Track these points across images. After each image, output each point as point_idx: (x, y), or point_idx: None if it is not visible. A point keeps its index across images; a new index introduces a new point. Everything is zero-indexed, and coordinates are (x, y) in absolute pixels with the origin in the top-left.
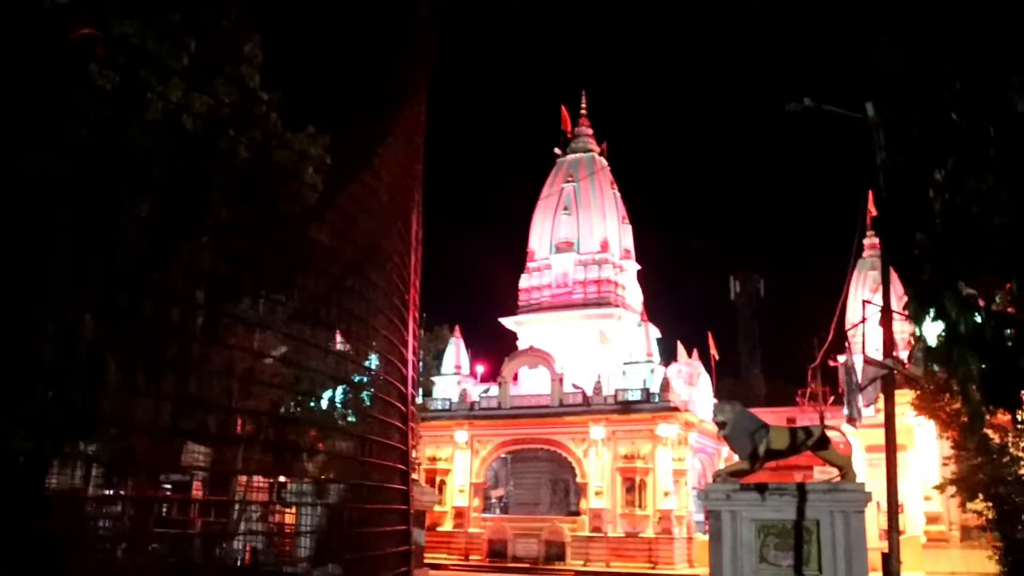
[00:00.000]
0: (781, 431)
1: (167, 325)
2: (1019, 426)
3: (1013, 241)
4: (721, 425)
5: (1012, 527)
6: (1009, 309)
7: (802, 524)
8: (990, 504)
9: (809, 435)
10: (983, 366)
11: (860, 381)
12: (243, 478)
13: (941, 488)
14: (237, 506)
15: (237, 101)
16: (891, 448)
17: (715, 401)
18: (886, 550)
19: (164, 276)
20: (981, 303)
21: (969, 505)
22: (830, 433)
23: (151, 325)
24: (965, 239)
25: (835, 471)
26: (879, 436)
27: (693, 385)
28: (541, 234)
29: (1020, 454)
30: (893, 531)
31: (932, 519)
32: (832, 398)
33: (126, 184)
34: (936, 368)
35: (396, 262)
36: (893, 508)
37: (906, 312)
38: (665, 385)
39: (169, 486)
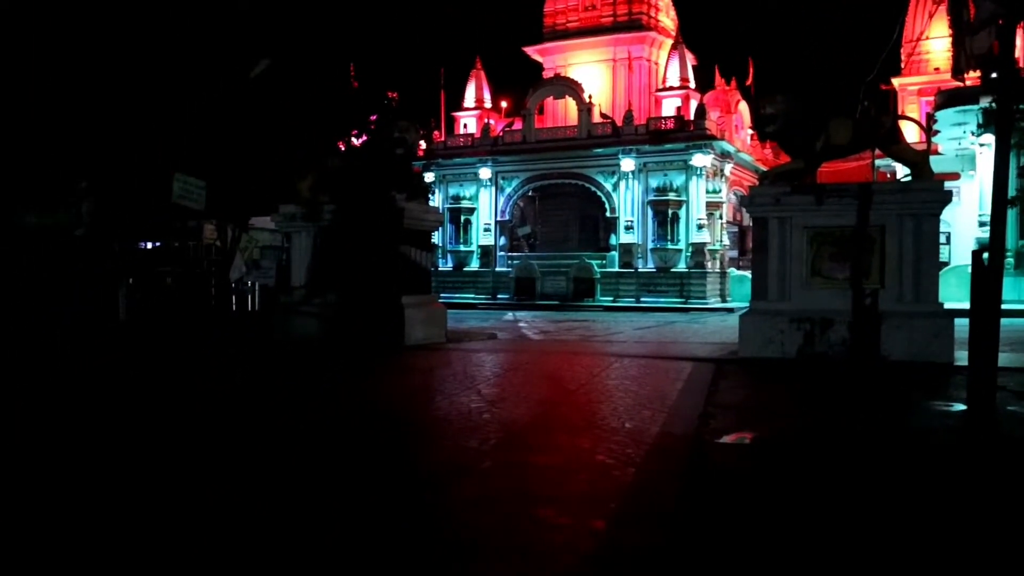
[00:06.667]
0: (843, 123)
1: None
2: None
3: None
4: (770, 119)
5: None
6: None
7: (864, 231)
8: None
9: (878, 126)
10: None
11: (971, 19)
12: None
13: (1012, 202)
14: (240, 244)
15: None
16: (1007, 115)
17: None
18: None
19: None
20: None
21: None
22: (904, 125)
23: None
24: None
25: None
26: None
27: (731, 114)
28: None
29: None
30: (998, 237)
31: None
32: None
33: None
34: None
35: None
36: (1001, 204)
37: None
38: (701, 113)
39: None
